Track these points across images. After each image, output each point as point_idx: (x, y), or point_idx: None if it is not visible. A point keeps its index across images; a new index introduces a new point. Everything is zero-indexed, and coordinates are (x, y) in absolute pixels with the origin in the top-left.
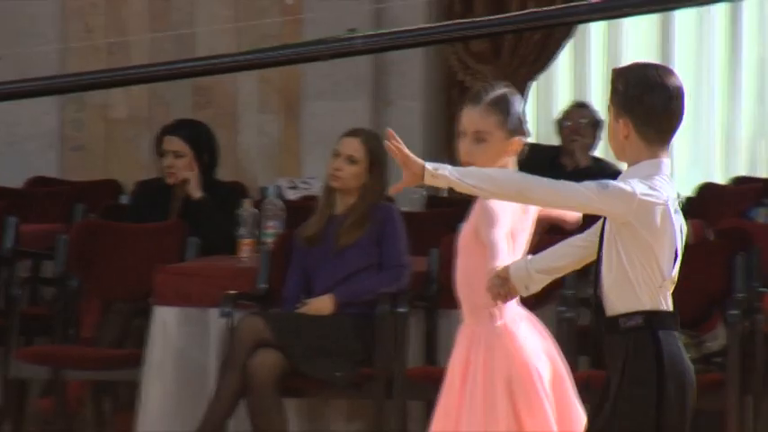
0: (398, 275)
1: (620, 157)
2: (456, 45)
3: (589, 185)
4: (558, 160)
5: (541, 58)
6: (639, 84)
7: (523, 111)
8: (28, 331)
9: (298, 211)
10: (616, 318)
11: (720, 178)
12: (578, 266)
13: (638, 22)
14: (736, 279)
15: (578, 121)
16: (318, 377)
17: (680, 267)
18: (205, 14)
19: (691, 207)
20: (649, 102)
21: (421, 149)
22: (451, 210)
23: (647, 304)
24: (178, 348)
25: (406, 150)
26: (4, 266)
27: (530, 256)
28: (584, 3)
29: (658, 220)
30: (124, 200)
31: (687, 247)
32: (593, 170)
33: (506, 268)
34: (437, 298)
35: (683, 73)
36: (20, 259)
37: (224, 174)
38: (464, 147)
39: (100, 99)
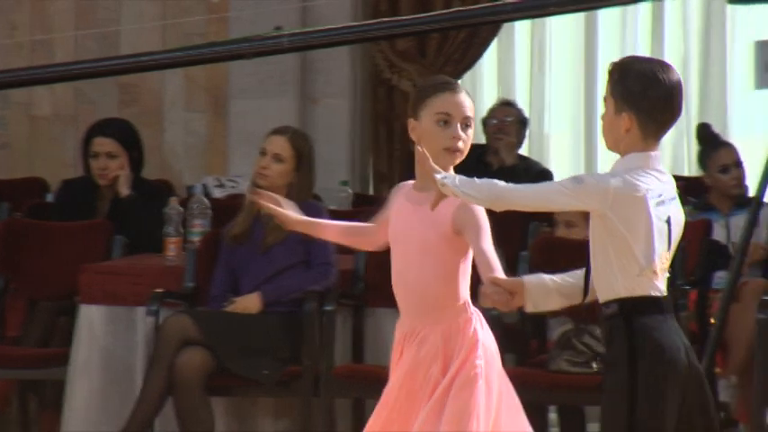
0: (325, 274)
1: (613, 148)
2: (382, 44)
3: (564, 183)
4: (484, 159)
5: (467, 57)
6: (643, 78)
7: None
8: None
9: (224, 209)
10: (599, 305)
11: None
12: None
13: (563, 21)
14: None
15: (504, 119)
16: (245, 375)
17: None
18: (130, 13)
19: None
20: (654, 96)
21: (347, 147)
22: (378, 207)
23: (621, 292)
24: (104, 347)
25: (430, 163)
26: None
27: (548, 275)
28: (509, 2)
29: (633, 212)
30: (49, 198)
31: None
32: (520, 168)
33: (516, 280)
34: (364, 296)
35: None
36: None
37: (150, 172)
38: (458, 134)
39: (24, 97)
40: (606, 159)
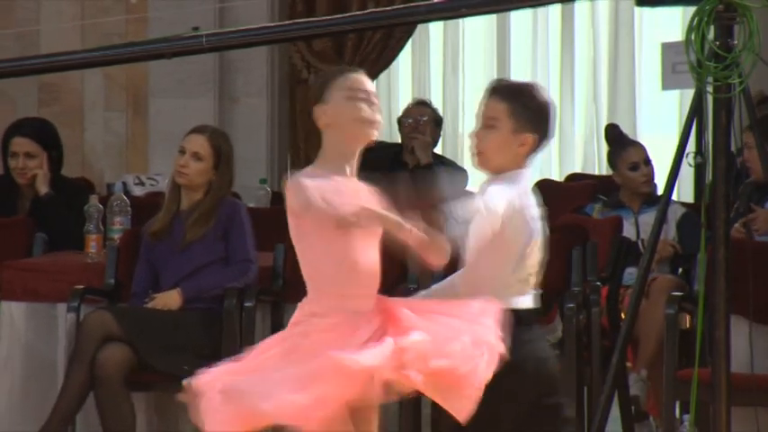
0: (245, 270)
1: (489, 166)
2: (299, 44)
3: (482, 221)
4: (399, 158)
5: (383, 57)
6: (544, 103)
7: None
8: None
9: (144, 207)
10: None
11: (556, 175)
12: None
13: (476, 23)
14: (573, 273)
15: (419, 118)
16: (166, 371)
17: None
18: (50, 12)
19: None
20: (550, 120)
21: (266, 146)
22: None
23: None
24: (26, 343)
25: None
26: None
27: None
28: (423, 3)
29: (522, 230)
30: None
31: None
32: (434, 167)
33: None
34: (283, 292)
35: (520, 73)
36: None
37: (71, 170)
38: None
39: None
40: None
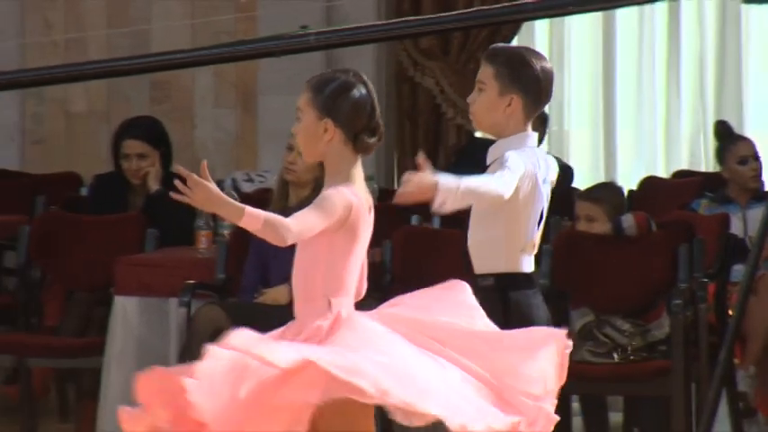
0: None
1: (481, 127)
2: (406, 42)
3: (504, 175)
4: None
5: None
6: (531, 66)
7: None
8: None
9: (253, 202)
10: (475, 276)
11: (663, 172)
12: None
13: (582, 20)
14: (680, 269)
15: None
16: None
17: (626, 258)
18: (161, 11)
19: (635, 200)
20: (541, 83)
21: None
22: None
23: (501, 267)
24: (138, 337)
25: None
26: None
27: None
28: (530, 1)
29: (530, 190)
30: (84, 192)
31: (633, 240)
32: None
33: (431, 181)
34: (391, 288)
35: (626, 70)
36: None
37: (181, 167)
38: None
39: (60, 93)
40: (625, 156)
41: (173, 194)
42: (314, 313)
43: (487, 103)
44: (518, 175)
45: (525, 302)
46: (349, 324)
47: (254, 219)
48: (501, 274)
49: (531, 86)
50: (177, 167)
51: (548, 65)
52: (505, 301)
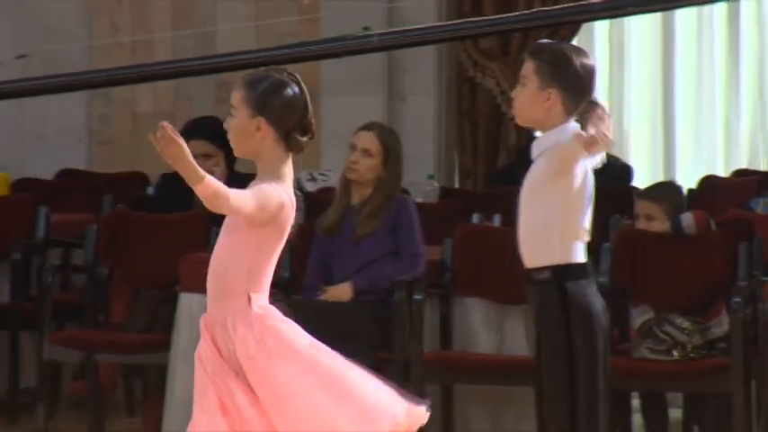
0: (414, 264)
1: (521, 120)
2: (466, 42)
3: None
4: None
5: None
6: (572, 62)
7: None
8: (60, 316)
9: (317, 202)
10: (530, 270)
11: (722, 171)
12: None
13: (641, 19)
14: (739, 268)
15: (585, 115)
16: None
17: (685, 257)
18: (226, 13)
19: (694, 199)
20: (582, 79)
21: (433, 142)
22: (463, 200)
23: (556, 259)
24: None
25: None
26: (37, 255)
27: None
28: (590, 2)
29: (584, 179)
30: (150, 191)
31: (692, 238)
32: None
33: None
34: (451, 285)
35: (685, 69)
36: (51, 248)
37: (245, 166)
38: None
39: (126, 94)
40: (684, 155)
41: (150, 135)
42: (235, 308)
43: (528, 97)
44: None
45: (582, 293)
46: (282, 352)
47: (208, 186)
48: (556, 266)
49: (571, 82)
50: (164, 123)
51: (589, 61)
52: (563, 293)
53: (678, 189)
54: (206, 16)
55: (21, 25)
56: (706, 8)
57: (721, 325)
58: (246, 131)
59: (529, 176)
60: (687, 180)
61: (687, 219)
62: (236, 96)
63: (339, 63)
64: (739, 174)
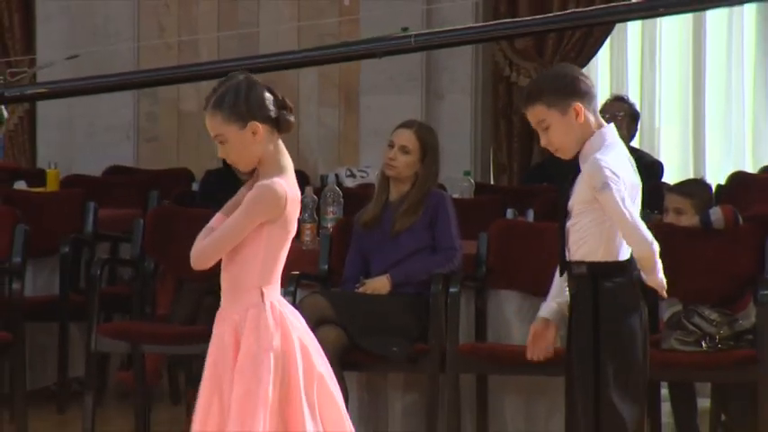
0: (450, 258)
1: (572, 152)
2: (502, 43)
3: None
4: None
5: (582, 55)
6: (564, 75)
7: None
8: (107, 308)
9: (355, 197)
10: (571, 263)
11: (750, 168)
12: None
13: (673, 20)
14: (767, 261)
15: (616, 113)
16: (377, 352)
17: (713, 250)
18: (269, 14)
19: (723, 195)
20: (580, 81)
21: (470, 140)
22: (498, 196)
23: (598, 256)
24: None
25: None
26: (86, 248)
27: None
28: (622, 3)
29: (632, 183)
30: (195, 187)
31: (720, 233)
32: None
33: (544, 319)
34: (486, 279)
35: (715, 69)
36: (99, 242)
37: None
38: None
39: (172, 93)
40: (714, 152)
41: None
42: (245, 303)
43: (560, 131)
44: (620, 187)
45: (613, 291)
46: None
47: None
48: (594, 263)
49: (576, 87)
50: None
51: (562, 69)
52: (596, 288)
53: (708, 186)
54: (250, 17)
55: (71, 27)
56: (736, 8)
57: (749, 317)
58: (246, 144)
59: (578, 186)
60: (716, 176)
61: (716, 213)
62: (215, 124)
63: (378, 63)
64: (767, 170)
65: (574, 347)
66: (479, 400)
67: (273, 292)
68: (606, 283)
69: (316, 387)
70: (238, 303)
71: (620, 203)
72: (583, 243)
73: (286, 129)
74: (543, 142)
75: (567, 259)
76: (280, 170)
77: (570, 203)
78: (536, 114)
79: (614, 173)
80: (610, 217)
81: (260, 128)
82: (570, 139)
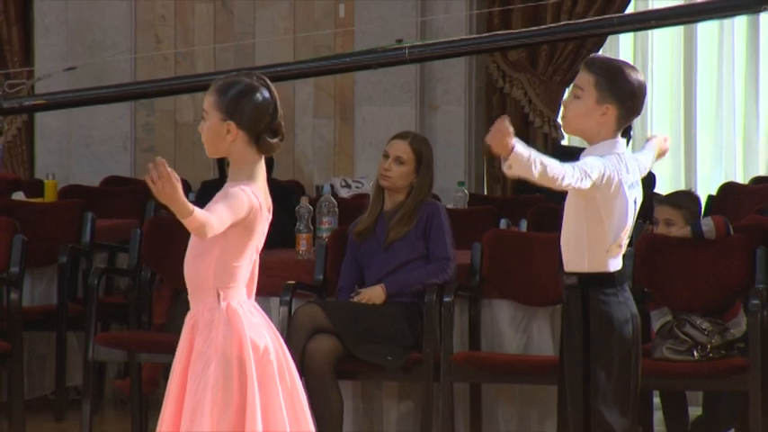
0: (444, 267)
1: (570, 130)
2: (495, 54)
3: (574, 164)
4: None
5: (575, 67)
6: (630, 80)
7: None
8: (105, 318)
9: (350, 208)
10: (562, 274)
11: (741, 178)
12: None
13: (664, 30)
14: (757, 271)
15: None
16: (371, 361)
17: (705, 260)
18: (264, 26)
19: (714, 205)
20: (637, 97)
21: (464, 151)
22: (492, 207)
23: (585, 267)
24: None
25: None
26: (83, 258)
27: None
28: (614, 15)
29: (613, 194)
30: (191, 197)
31: (712, 243)
32: None
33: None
34: (480, 288)
35: (706, 79)
36: (97, 252)
37: (282, 173)
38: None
39: (169, 104)
40: (705, 162)
41: (146, 177)
42: (205, 303)
43: (583, 108)
44: (590, 173)
45: (604, 301)
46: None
47: (196, 219)
48: (584, 274)
49: (627, 99)
50: (160, 159)
51: (643, 80)
52: (585, 300)
53: (696, 198)
54: (246, 29)
55: (69, 40)
56: (726, 21)
57: (739, 326)
58: (217, 134)
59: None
60: (707, 186)
61: (707, 223)
62: (208, 101)
63: (373, 74)
64: (757, 181)
65: (565, 358)
66: (473, 409)
67: (234, 295)
68: (596, 295)
69: (275, 391)
70: (197, 303)
71: (574, 168)
72: (571, 253)
73: (265, 151)
74: (565, 101)
75: (565, 269)
76: (248, 178)
77: (565, 204)
78: (583, 80)
79: (596, 167)
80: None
81: (235, 132)
82: (582, 122)
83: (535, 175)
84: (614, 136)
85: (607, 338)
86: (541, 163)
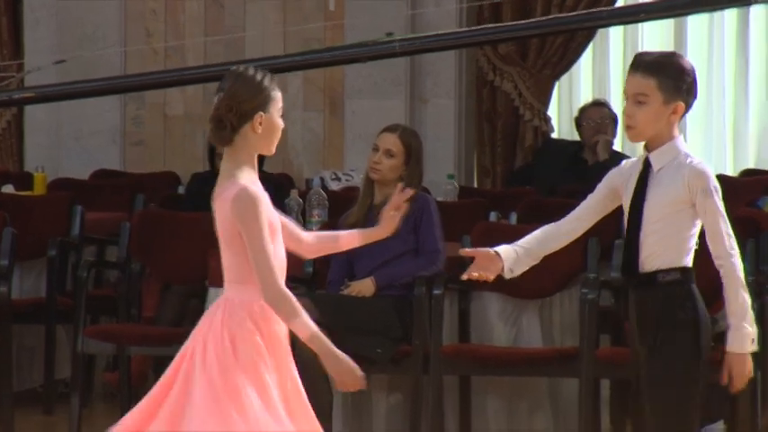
0: (434, 260)
1: (642, 138)
2: (485, 47)
3: (729, 244)
4: (579, 155)
5: (564, 60)
6: (688, 70)
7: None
8: (94, 311)
9: (340, 200)
10: (654, 273)
11: (731, 171)
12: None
13: (654, 24)
14: (747, 263)
15: (600, 119)
16: (361, 354)
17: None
18: (255, 19)
19: None
20: (695, 85)
21: (454, 143)
22: (482, 200)
23: (683, 262)
24: None
25: None
26: (72, 251)
27: (515, 243)
28: (604, 9)
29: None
30: (181, 190)
31: (701, 235)
32: (611, 163)
33: (490, 252)
34: (470, 281)
35: (696, 73)
36: (86, 245)
37: (273, 166)
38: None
39: (159, 98)
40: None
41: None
42: (246, 295)
43: (653, 114)
44: (729, 229)
45: (698, 293)
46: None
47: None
48: (684, 268)
49: (690, 90)
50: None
51: (691, 63)
52: (692, 293)
53: None
54: (236, 22)
55: (59, 32)
56: (716, 14)
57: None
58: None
59: (666, 188)
60: None
61: None
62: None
63: (363, 67)
64: (747, 173)
65: (664, 368)
66: (462, 401)
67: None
68: (695, 288)
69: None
70: (241, 294)
71: (720, 212)
72: (664, 250)
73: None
74: (628, 111)
75: (640, 269)
76: (252, 168)
77: (647, 206)
78: (641, 85)
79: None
80: (707, 224)
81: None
82: (653, 127)
83: (752, 316)
84: (675, 135)
85: (700, 333)
86: (748, 312)
